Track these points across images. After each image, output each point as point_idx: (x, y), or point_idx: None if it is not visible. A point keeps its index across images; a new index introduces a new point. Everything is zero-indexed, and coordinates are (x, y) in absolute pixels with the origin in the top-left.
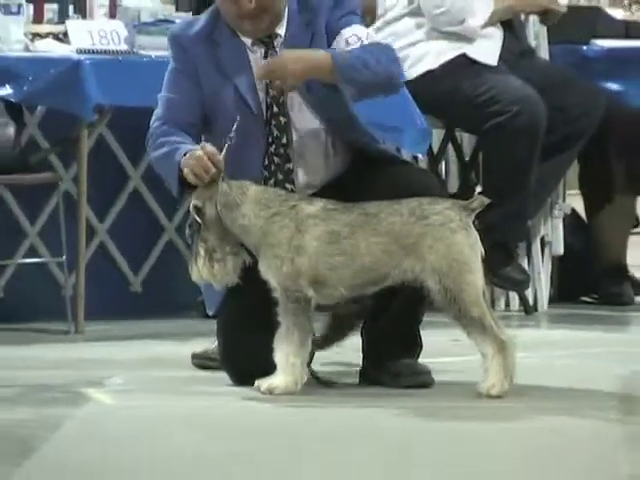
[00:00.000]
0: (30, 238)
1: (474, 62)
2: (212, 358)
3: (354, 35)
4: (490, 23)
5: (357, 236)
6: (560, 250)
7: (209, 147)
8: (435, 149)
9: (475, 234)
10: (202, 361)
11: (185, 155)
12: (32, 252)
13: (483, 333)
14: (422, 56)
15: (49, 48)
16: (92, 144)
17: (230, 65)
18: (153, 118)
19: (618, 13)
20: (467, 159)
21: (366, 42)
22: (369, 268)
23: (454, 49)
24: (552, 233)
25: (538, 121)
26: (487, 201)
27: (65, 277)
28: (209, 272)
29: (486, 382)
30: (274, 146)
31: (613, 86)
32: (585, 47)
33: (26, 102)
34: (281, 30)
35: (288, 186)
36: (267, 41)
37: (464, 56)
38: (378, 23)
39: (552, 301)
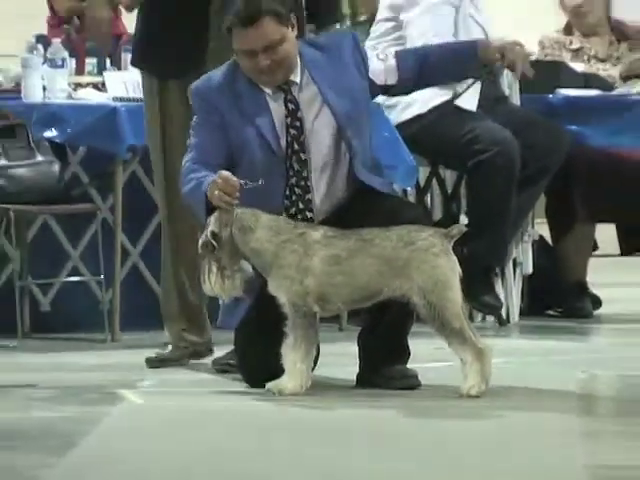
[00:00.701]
0: (73, 260)
1: (457, 108)
2: (231, 364)
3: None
4: None
5: (355, 259)
6: (529, 270)
7: (225, 172)
8: (422, 183)
9: (454, 258)
10: (222, 366)
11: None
12: (74, 272)
13: (463, 342)
14: (412, 102)
15: (89, 96)
16: (126, 179)
17: (253, 114)
18: (183, 161)
19: (579, 66)
20: (449, 192)
21: None
22: (364, 286)
23: (440, 96)
24: (523, 256)
25: (514, 159)
26: (464, 229)
27: (103, 293)
28: (220, 287)
29: (466, 384)
30: (295, 179)
31: (574, 129)
32: (550, 95)
33: (69, 143)
34: (296, 77)
35: (308, 214)
36: (285, 88)
37: (448, 103)
38: None
39: (522, 314)
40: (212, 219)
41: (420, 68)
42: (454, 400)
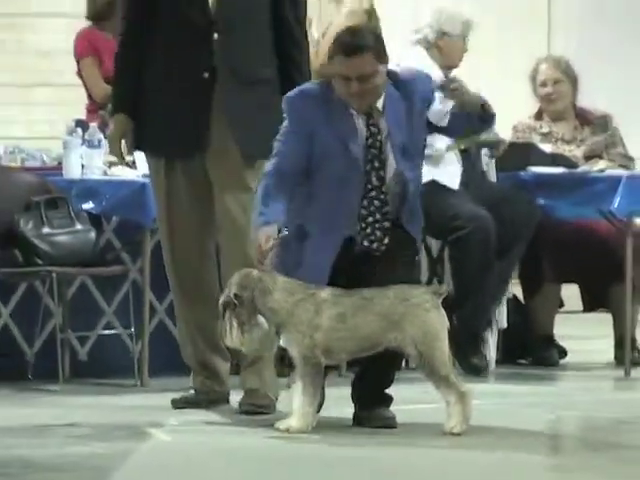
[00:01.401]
0: (107, 315)
1: (442, 186)
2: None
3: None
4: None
5: (357, 316)
6: (504, 325)
7: (261, 239)
8: None
9: (443, 312)
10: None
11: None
12: (108, 326)
13: (448, 387)
14: None
15: (121, 173)
16: (153, 245)
17: (344, 130)
18: (269, 164)
19: (547, 147)
20: (435, 256)
21: None
22: (366, 339)
23: (426, 176)
24: (498, 312)
25: (489, 235)
26: (451, 288)
27: (133, 344)
28: (240, 340)
29: (449, 423)
30: (374, 192)
31: (543, 202)
32: (522, 173)
33: (104, 213)
34: (379, 104)
35: (386, 224)
36: (369, 112)
37: (434, 181)
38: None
39: (498, 362)
40: (233, 281)
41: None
42: (439, 437)
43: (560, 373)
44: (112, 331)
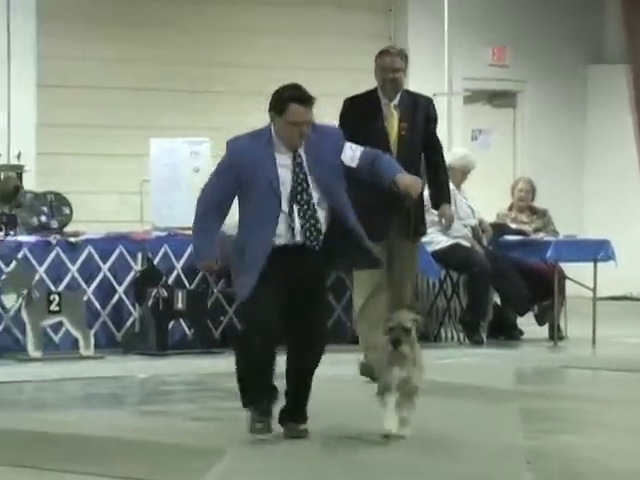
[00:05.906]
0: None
1: (462, 245)
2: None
3: (352, 145)
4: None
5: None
6: (491, 317)
7: (204, 267)
8: (442, 278)
9: None
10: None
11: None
12: None
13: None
14: (439, 241)
15: None
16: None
17: (264, 165)
18: (204, 192)
19: (513, 225)
20: (455, 281)
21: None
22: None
23: (451, 240)
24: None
25: (487, 272)
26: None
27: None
28: (402, 346)
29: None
30: (304, 205)
31: (512, 253)
32: (501, 239)
33: None
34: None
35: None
36: (296, 148)
37: (457, 243)
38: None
39: (488, 337)
40: (403, 318)
41: (369, 170)
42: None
43: (519, 343)
44: None
